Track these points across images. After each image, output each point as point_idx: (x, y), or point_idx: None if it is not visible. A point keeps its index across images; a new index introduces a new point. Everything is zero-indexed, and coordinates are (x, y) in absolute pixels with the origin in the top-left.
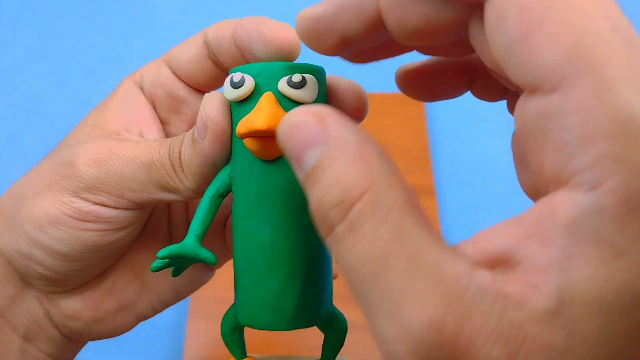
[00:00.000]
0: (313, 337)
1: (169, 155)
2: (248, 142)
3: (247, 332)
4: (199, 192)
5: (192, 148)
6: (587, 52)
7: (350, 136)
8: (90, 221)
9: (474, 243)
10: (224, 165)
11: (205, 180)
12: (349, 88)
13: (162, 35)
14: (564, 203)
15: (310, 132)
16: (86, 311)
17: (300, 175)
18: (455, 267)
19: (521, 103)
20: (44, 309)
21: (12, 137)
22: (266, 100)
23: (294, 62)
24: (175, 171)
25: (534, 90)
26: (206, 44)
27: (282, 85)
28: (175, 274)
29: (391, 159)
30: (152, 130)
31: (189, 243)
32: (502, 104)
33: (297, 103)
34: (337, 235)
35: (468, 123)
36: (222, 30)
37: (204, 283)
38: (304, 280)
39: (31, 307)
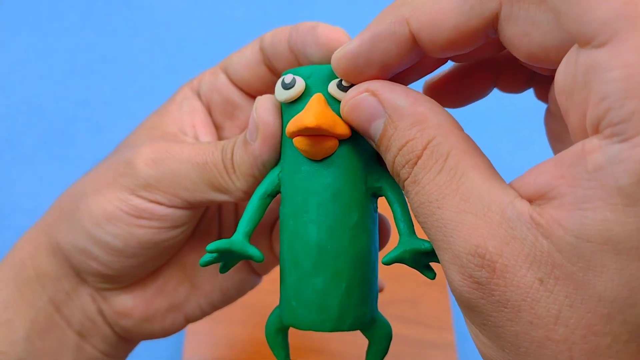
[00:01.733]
0: (356, 346)
1: (222, 156)
2: (297, 141)
3: (291, 338)
4: (248, 193)
5: (243, 149)
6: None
7: (403, 101)
8: (145, 218)
9: (522, 178)
10: (273, 167)
11: (255, 182)
12: None
13: (162, 35)
14: (595, 149)
15: (369, 107)
16: (137, 309)
17: (373, 145)
18: (501, 200)
19: (571, 56)
20: (97, 306)
21: (12, 137)
22: (316, 100)
23: None
24: (227, 172)
25: (586, 43)
26: (262, 50)
27: (332, 88)
28: (223, 270)
29: (445, 111)
30: (207, 133)
31: (238, 239)
32: (504, 105)
33: None
34: (406, 188)
35: (468, 123)
36: (278, 35)
37: (250, 288)
38: (348, 281)
39: (85, 304)
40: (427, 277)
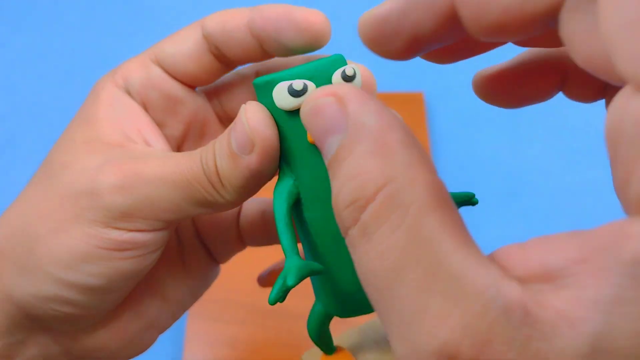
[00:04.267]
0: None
1: (203, 170)
2: None
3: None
4: (238, 203)
5: (232, 162)
6: None
7: (371, 120)
8: (128, 249)
9: (522, 249)
10: (271, 175)
11: (248, 192)
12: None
13: (162, 35)
14: (635, 237)
15: (330, 117)
16: (113, 340)
17: (326, 162)
18: (481, 279)
19: (621, 99)
20: (61, 348)
21: (11, 137)
22: None
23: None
24: (213, 186)
25: None
26: (207, 37)
27: (337, 80)
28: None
29: (419, 147)
30: (154, 135)
31: (301, 262)
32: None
33: None
34: (351, 239)
35: (469, 123)
36: (232, 21)
37: (214, 279)
38: None
39: (45, 348)
40: None
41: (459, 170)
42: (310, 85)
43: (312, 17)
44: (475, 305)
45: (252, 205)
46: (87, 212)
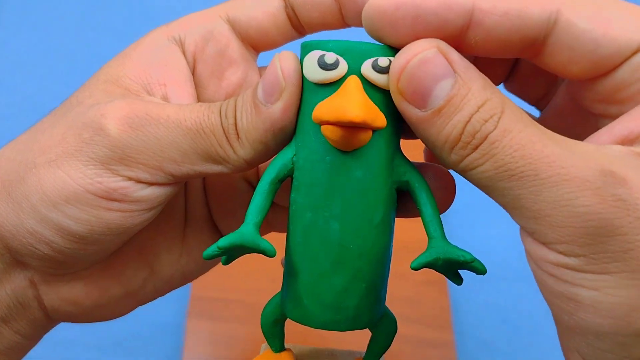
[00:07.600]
0: (355, 333)
1: (221, 120)
2: (329, 130)
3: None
4: (250, 163)
5: (254, 113)
6: None
7: (470, 65)
8: (117, 200)
9: (602, 133)
10: (289, 135)
11: (265, 149)
12: None
13: None
14: None
15: (439, 66)
16: (89, 297)
17: (422, 113)
18: (593, 146)
19: (610, 78)
20: (35, 292)
21: (14, 136)
22: (355, 85)
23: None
24: (228, 139)
25: (633, 53)
26: None
27: (367, 68)
28: (226, 262)
29: None
30: (182, 94)
31: (248, 232)
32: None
33: (378, 89)
34: (492, 139)
35: None
36: None
37: (211, 267)
38: (368, 281)
39: (19, 289)
40: (455, 283)
41: None
42: (342, 63)
43: None
44: (599, 154)
45: None
46: (87, 147)
